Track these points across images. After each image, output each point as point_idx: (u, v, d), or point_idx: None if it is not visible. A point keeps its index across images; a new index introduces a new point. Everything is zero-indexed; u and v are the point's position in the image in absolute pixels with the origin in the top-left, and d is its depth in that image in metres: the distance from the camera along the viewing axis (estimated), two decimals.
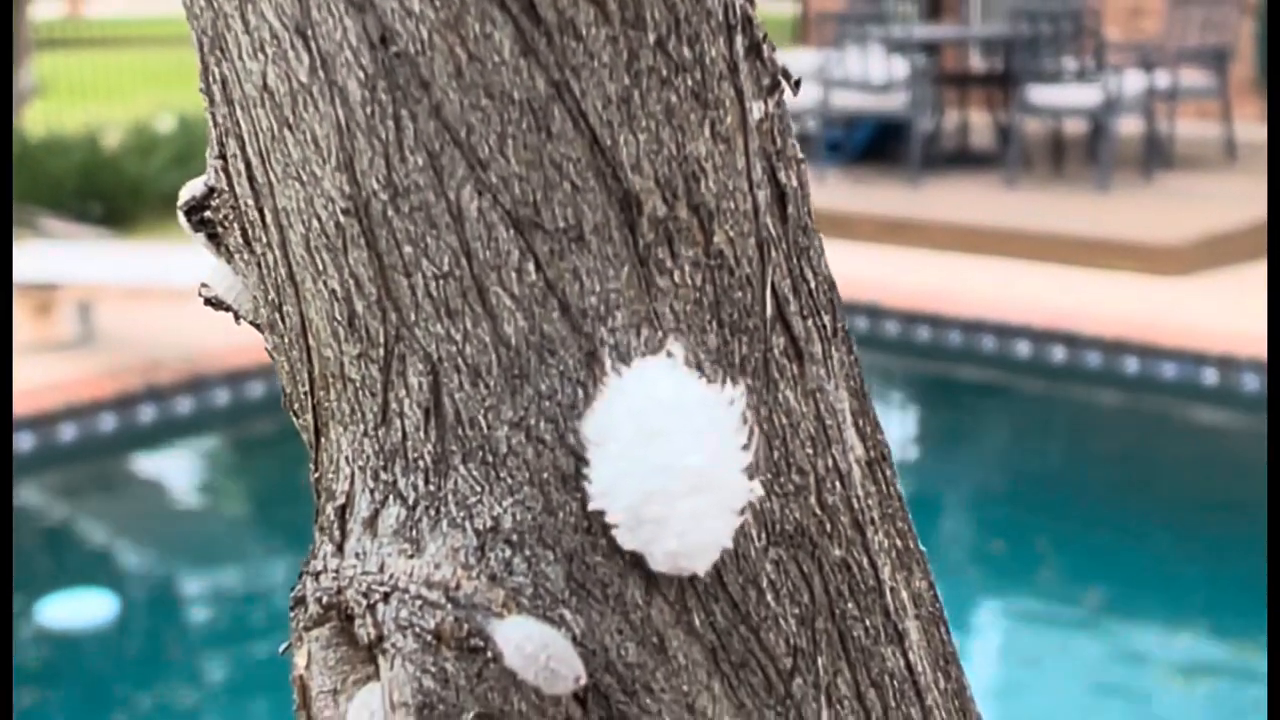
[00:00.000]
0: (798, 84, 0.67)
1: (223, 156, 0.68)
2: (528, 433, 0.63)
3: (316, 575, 0.67)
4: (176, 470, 6.02)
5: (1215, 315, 6.25)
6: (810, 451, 0.66)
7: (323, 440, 0.69)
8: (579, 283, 0.62)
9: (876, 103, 8.70)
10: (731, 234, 0.64)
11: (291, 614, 0.68)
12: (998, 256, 7.29)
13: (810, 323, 0.67)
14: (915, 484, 5.29)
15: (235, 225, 0.69)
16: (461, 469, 0.63)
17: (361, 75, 0.61)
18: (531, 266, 0.62)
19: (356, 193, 0.62)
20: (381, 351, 0.64)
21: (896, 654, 0.69)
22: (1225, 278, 6.85)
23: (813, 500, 0.66)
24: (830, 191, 8.29)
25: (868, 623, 0.68)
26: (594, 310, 0.62)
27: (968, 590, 4.52)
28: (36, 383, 5.56)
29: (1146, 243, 6.98)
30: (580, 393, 0.62)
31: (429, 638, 0.62)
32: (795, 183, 0.67)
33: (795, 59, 8.57)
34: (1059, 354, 6.22)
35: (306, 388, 0.69)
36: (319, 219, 0.63)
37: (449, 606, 0.62)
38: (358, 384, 0.65)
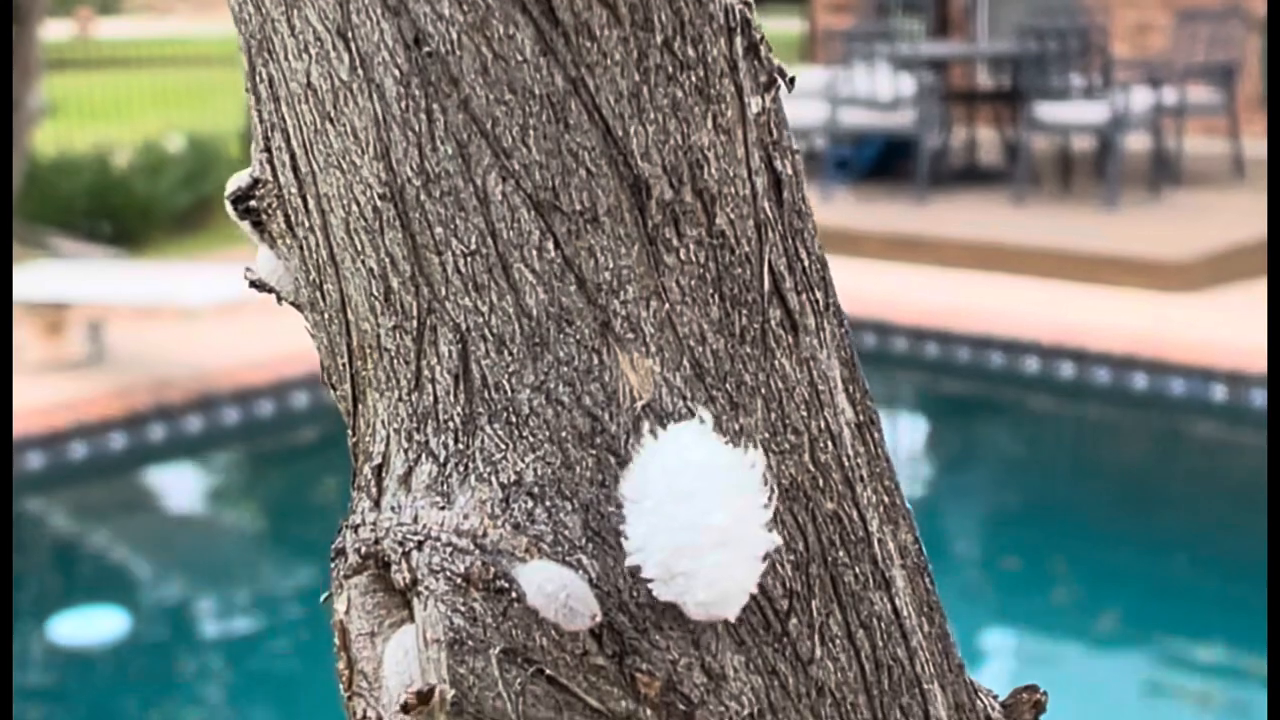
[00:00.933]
0: (792, 81, 0.74)
1: (268, 149, 0.74)
2: (548, 395, 0.69)
3: (355, 528, 0.74)
4: (186, 489, 6.01)
5: (1224, 331, 6.24)
6: (804, 414, 0.72)
7: (360, 407, 0.75)
8: (594, 259, 0.68)
9: (884, 120, 8.71)
10: (732, 216, 0.70)
11: (332, 564, 0.75)
12: (1006, 273, 7.29)
13: (804, 297, 0.73)
14: (923, 499, 5.31)
15: (278, 212, 0.75)
16: (488, 429, 0.70)
17: (397, 73, 0.67)
18: (551, 245, 0.68)
19: (392, 179, 0.68)
20: (415, 323, 0.70)
21: (884, 599, 0.75)
22: (1234, 293, 6.84)
23: (806, 458, 0.72)
24: (838, 209, 8.30)
25: (857, 570, 0.74)
26: (607, 284, 0.68)
27: (976, 605, 4.50)
28: (47, 402, 5.54)
29: (1155, 259, 6.98)
30: (595, 359, 0.69)
31: (459, 581, 0.69)
32: (790, 170, 0.73)
33: (803, 77, 8.60)
34: (1067, 370, 6.21)
35: (345, 360, 0.75)
36: (358, 204, 0.70)
37: (477, 552, 0.68)
38: (393, 353, 0.72)
